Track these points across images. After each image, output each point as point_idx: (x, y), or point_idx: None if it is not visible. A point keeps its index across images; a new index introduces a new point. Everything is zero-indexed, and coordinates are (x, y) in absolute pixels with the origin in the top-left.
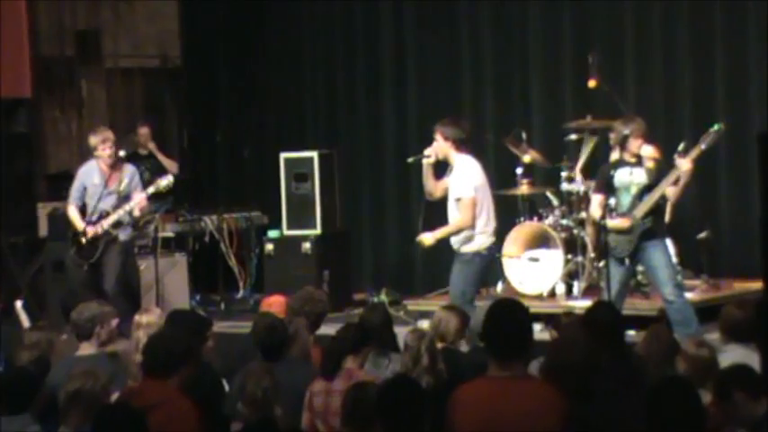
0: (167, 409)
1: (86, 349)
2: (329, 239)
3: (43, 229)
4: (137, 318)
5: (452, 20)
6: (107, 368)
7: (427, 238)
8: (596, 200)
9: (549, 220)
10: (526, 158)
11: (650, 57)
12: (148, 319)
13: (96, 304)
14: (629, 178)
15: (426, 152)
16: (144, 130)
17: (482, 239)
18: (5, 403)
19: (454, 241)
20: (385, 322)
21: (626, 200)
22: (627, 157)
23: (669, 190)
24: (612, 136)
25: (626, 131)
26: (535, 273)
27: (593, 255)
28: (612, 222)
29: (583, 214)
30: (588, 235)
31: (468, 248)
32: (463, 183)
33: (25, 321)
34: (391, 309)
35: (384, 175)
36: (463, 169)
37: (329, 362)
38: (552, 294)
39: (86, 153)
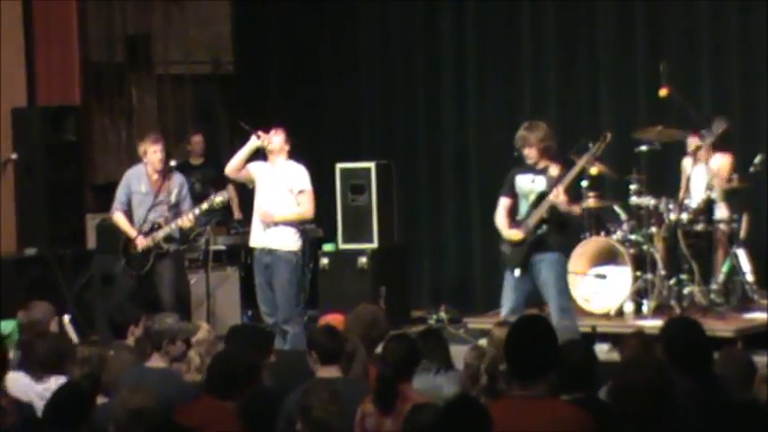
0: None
1: (157, 361)
2: (386, 254)
3: (91, 242)
4: None
5: (514, 25)
6: (175, 385)
7: (271, 215)
8: (501, 203)
9: (617, 234)
10: (592, 170)
11: (726, 63)
12: (196, 336)
13: (174, 318)
14: (530, 186)
15: (261, 134)
16: (197, 138)
17: (301, 239)
18: (59, 421)
19: (272, 241)
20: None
21: (524, 207)
22: (532, 163)
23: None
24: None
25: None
26: (602, 290)
27: (663, 272)
28: (506, 233)
29: (652, 229)
30: (658, 251)
31: (291, 247)
32: (305, 176)
33: (73, 336)
34: (450, 327)
35: (444, 187)
36: (299, 165)
37: (386, 396)
38: (620, 313)
39: (136, 162)
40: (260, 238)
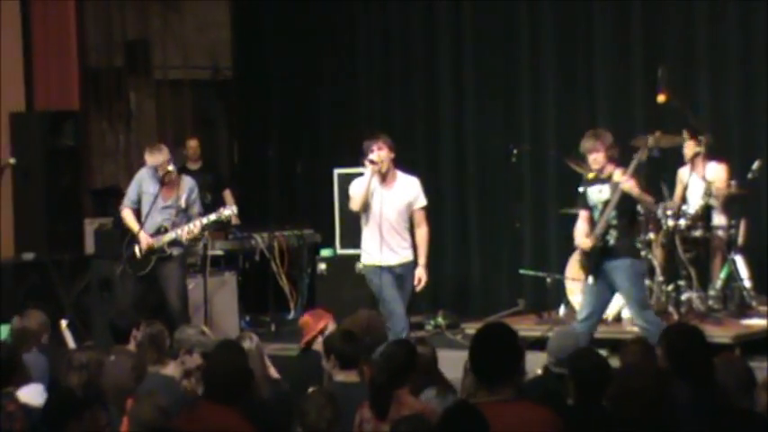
0: None
1: (172, 370)
2: None
3: (89, 247)
4: None
5: (511, 33)
6: (174, 394)
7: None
8: (580, 216)
9: None
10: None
11: (725, 68)
12: None
13: (196, 330)
14: (598, 196)
15: (374, 158)
16: (193, 143)
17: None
18: (51, 427)
19: (405, 256)
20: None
21: (597, 217)
22: (598, 168)
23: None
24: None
25: (583, 147)
26: None
27: (661, 278)
28: (577, 241)
29: (651, 235)
30: (656, 257)
31: (412, 257)
32: (421, 189)
33: (70, 342)
34: (448, 332)
35: (441, 192)
36: (412, 177)
37: (380, 401)
38: (618, 319)
39: (133, 167)
40: (393, 255)
